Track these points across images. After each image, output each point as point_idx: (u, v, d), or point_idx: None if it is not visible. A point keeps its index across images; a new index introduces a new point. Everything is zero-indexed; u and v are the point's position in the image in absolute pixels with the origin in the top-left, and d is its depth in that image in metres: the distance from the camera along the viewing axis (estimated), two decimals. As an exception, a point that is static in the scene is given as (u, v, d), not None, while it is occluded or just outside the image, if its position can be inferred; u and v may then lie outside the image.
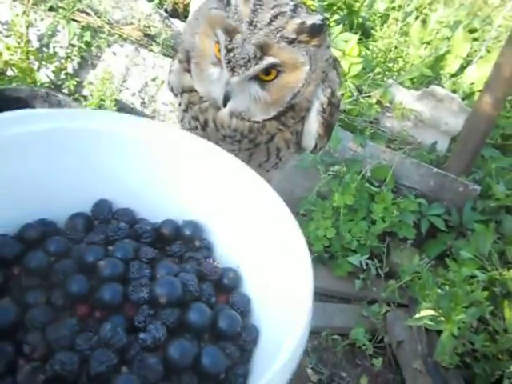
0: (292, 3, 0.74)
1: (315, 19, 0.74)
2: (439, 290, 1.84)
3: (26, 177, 0.61)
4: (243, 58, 0.72)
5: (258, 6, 0.72)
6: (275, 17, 0.72)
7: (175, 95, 0.89)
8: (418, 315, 1.72)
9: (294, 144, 0.87)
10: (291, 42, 0.72)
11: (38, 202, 0.62)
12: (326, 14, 4.11)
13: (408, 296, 2.12)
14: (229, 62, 0.73)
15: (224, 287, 0.63)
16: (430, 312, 1.65)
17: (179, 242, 0.65)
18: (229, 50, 0.72)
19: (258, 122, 0.80)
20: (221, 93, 0.74)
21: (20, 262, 0.57)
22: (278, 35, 0.71)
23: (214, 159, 0.65)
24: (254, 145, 0.82)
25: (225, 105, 0.75)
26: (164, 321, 0.53)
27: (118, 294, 0.55)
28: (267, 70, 0.74)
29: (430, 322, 1.64)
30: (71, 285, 0.55)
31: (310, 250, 2.21)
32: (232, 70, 0.73)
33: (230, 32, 0.72)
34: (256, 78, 0.74)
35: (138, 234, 0.64)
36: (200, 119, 0.82)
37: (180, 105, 0.87)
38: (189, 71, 0.82)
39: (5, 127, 0.57)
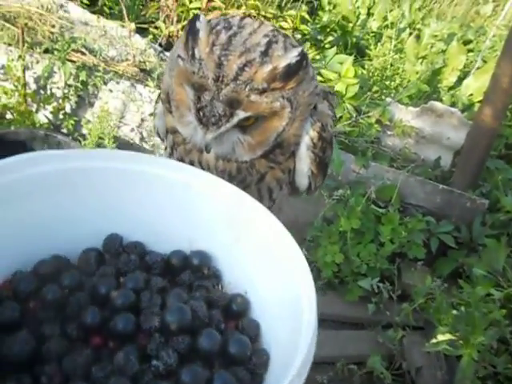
0: (265, 41, 0.69)
1: (290, 58, 0.68)
2: (455, 311, 1.78)
3: (42, 215, 0.63)
4: (214, 116, 0.68)
5: (223, 58, 0.66)
6: (242, 69, 0.66)
7: (162, 140, 0.88)
8: (435, 340, 1.66)
9: (287, 184, 0.84)
10: (263, 91, 0.67)
11: (52, 238, 0.64)
12: (320, 37, 4.15)
13: (423, 318, 2.06)
14: (200, 120, 0.70)
15: (233, 313, 0.64)
16: (448, 336, 1.60)
17: (188, 272, 0.67)
18: (198, 109, 0.69)
19: (246, 162, 0.77)
20: (201, 141, 0.72)
21: (36, 296, 0.59)
22: (246, 88, 0.66)
23: (220, 192, 0.67)
24: (243, 186, 0.79)
25: (208, 152, 0.74)
26: (175, 347, 0.55)
27: (131, 324, 0.57)
28: (244, 119, 0.71)
29: (448, 347, 1.58)
30: (85, 316, 0.57)
31: (319, 276, 2.12)
32: (205, 127, 0.70)
33: (198, 89, 0.68)
34: (235, 125, 0.71)
35: (148, 266, 0.66)
36: (185, 161, 0.80)
37: (166, 149, 0.85)
38: (171, 112, 0.79)
39: (20, 169, 0.60)
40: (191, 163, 0.79)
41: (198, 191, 0.66)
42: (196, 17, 0.70)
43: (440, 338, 1.61)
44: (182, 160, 0.80)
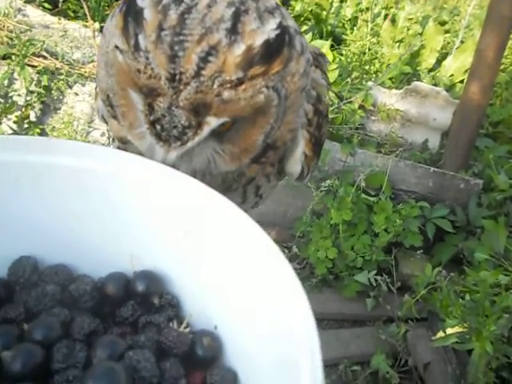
0: (230, 13, 0.50)
1: (267, 32, 0.50)
2: (461, 300, 1.66)
3: None
4: (175, 128, 0.50)
5: (177, 47, 0.48)
6: (204, 59, 0.48)
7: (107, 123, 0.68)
8: (442, 334, 1.54)
9: (276, 174, 0.68)
10: (239, 83, 0.49)
11: None
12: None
13: (426, 309, 1.94)
14: (158, 136, 0.52)
15: (198, 361, 0.45)
16: (457, 329, 1.48)
17: (131, 303, 0.48)
18: (152, 122, 0.51)
19: (232, 172, 0.60)
20: (163, 161, 0.53)
21: None
22: (215, 84, 0.48)
23: (172, 185, 0.48)
24: (227, 190, 0.63)
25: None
26: None
27: None
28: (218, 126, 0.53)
29: (457, 341, 1.46)
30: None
31: (313, 273, 1.97)
32: (166, 143, 0.52)
33: (148, 94, 0.50)
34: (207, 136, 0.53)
35: (74, 299, 0.47)
36: None
37: (114, 140, 0.65)
38: (115, 117, 0.59)
39: None
40: None
41: (141, 186, 0.48)
42: None
43: (448, 331, 1.49)
44: None
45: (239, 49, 0.49)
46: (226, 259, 0.44)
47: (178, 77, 0.48)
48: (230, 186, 0.63)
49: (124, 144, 0.62)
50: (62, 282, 0.47)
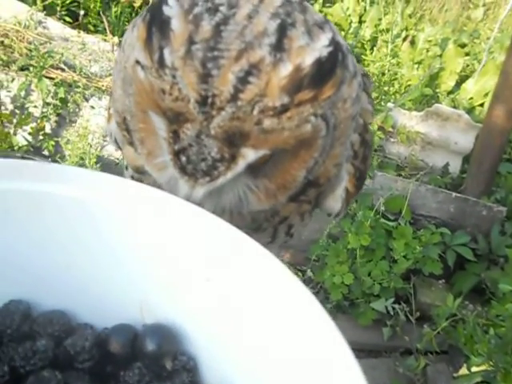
0: (274, 26, 0.42)
1: (319, 49, 0.43)
2: (487, 336, 1.57)
3: None
4: (204, 161, 0.43)
5: (211, 65, 0.40)
6: (243, 79, 0.40)
7: (121, 149, 0.59)
8: (465, 371, 1.45)
9: (310, 212, 0.61)
10: (283, 111, 0.41)
11: None
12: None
13: (447, 343, 1.85)
14: (182, 169, 0.44)
15: None
16: (482, 367, 1.39)
17: (138, 365, 0.40)
18: (177, 152, 0.44)
19: (264, 211, 0.53)
20: (187, 198, 0.45)
21: None
22: (255, 111, 0.41)
23: (193, 224, 0.40)
24: (257, 230, 0.56)
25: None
26: None
27: None
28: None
29: (483, 380, 1.38)
30: None
31: (327, 298, 1.88)
32: (191, 178, 0.44)
33: (173, 120, 0.42)
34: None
35: (70, 357, 0.38)
36: None
37: (127, 168, 0.59)
38: (132, 143, 0.52)
39: None
40: None
41: (159, 224, 0.41)
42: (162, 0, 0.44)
43: (473, 369, 1.40)
44: None
45: (286, 69, 0.41)
46: (256, 314, 0.36)
47: (210, 100, 0.41)
48: (261, 225, 0.56)
49: (139, 174, 0.55)
50: (57, 334, 0.39)
